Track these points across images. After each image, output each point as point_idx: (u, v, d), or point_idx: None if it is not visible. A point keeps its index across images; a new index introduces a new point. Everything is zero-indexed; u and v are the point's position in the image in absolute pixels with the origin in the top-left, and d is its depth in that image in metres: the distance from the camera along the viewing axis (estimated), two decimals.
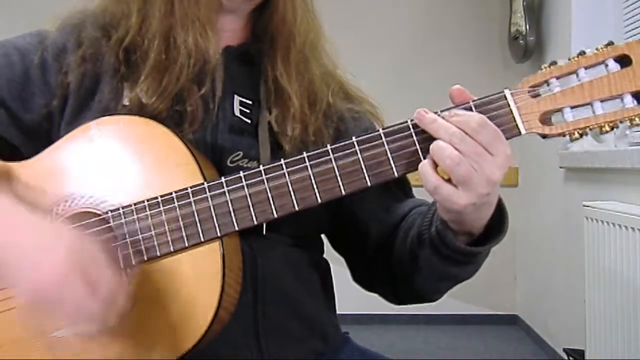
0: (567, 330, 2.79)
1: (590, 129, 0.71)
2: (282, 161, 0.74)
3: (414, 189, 0.95)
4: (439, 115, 0.71)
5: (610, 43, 0.71)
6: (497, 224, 0.77)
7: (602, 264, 2.01)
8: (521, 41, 3.18)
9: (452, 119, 0.69)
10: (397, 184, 0.93)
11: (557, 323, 3.01)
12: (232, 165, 0.83)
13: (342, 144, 0.74)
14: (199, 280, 0.74)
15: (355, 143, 0.73)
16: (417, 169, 0.72)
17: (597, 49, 0.72)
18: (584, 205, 2.17)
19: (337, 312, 0.96)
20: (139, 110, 0.81)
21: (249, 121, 0.87)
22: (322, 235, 0.96)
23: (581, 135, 0.72)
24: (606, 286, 1.98)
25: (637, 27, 2.43)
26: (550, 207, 3.10)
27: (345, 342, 0.96)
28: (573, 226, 2.60)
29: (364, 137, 0.73)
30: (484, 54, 3.63)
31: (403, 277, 0.87)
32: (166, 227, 0.75)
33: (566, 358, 2.43)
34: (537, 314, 3.36)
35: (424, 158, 0.71)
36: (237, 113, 0.87)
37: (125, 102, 0.83)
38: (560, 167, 2.79)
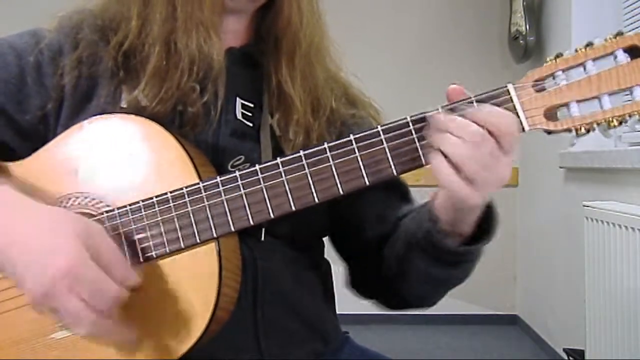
0: (567, 330, 2.79)
1: (598, 124, 0.69)
2: (279, 160, 0.73)
3: (414, 189, 0.94)
4: (439, 111, 0.69)
5: (620, 33, 0.68)
6: (486, 223, 0.76)
7: (602, 264, 2.01)
8: (521, 41, 3.18)
9: (477, 115, 0.67)
10: (394, 189, 0.92)
11: (557, 323, 3.00)
12: (232, 169, 0.81)
13: (340, 141, 0.72)
14: (195, 281, 0.73)
15: (353, 141, 0.72)
16: (416, 167, 0.71)
17: (605, 40, 0.68)
18: (584, 205, 2.17)
19: (337, 312, 0.96)
20: (138, 112, 0.80)
21: (250, 124, 0.86)
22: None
23: (588, 131, 0.69)
24: (606, 286, 1.98)
25: (637, 28, 2.42)
26: (550, 207, 3.09)
27: (345, 342, 0.95)
28: (573, 226, 2.59)
29: (361, 134, 0.72)
30: (484, 54, 3.62)
31: (394, 283, 0.86)
32: (162, 229, 0.74)
33: (566, 358, 2.43)
34: (537, 314, 3.36)
35: (424, 155, 0.70)
36: (239, 116, 0.85)
37: (123, 104, 0.82)
38: (560, 167, 2.78)
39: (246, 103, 0.87)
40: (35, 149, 0.81)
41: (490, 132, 0.66)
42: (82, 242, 0.66)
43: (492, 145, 0.66)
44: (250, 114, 0.86)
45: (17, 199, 0.72)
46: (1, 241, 0.67)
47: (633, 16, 2.46)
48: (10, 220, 0.69)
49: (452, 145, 0.67)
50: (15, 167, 0.80)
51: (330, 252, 0.96)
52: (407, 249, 0.80)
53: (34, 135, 0.83)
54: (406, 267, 0.81)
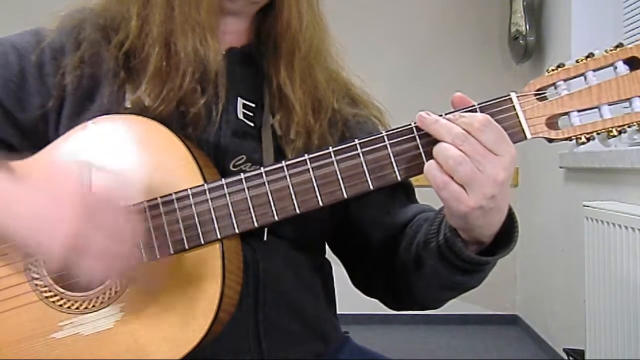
0: (567, 330, 2.79)
1: (598, 134, 0.70)
2: (284, 163, 0.74)
3: (416, 190, 0.94)
4: (443, 117, 0.70)
5: (620, 45, 0.70)
6: (507, 232, 0.75)
7: (602, 264, 2.01)
8: (521, 41, 3.18)
9: (456, 121, 0.68)
10: (401, 189, 0.92)
11: (557, 323, 3.01)
12: (235, 169, 0.82)
13: (345, 146, 0.73)
14: (198, 282, 0.74)
15: (358, 145, 0.72)
16: (420, 173, 0.71)
17: (606, 51, 0.70)
18: (584, 205, 2.17)
19: (337, 312, 0.96)
20: (141, 113, 0.80)
21: (252, 124, 0.86)
22: None
23: (588, 140, 0.70)
24: (606, 286, 1.98)
25: (637, 27, 2.43)
26: (550, 207, 3.10)
27: (345, 342, 0.96)
28: (573, 226, 2.59)
29: (366, 139, 0.73)
30: (484, 54, 3.63)
31: (406, 283, 0.85)
32: (166, 229, 0.74)
33: (566, 358, 2.44)
34: (537, 314, 3.36)
35: (427, 161, 0.70)
36: (240, 116, 0.86)
37: (127, 104, 0.82)
38: (560, 167, 2.79)
39: (247, 103, 0.87)
40: (36, 147, 0.81)
41: (468, 132, 0.67)
42: (81, 210, 0.67)
43: (475, 143, 0.67)
44: (251, 114, 0.87)
45: (11, 177, 0.72)
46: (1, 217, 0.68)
47: (633, 16, 2.46)
48: (7, 197, 0.70)
49: (444, 149, 0.67)
50: (17, 166, 0.80)
51: (330, 252, 0.97)
52: (426, 253, 0.79)
53: (35, 134, 0.84)
54: (425, 270, 0.81)
